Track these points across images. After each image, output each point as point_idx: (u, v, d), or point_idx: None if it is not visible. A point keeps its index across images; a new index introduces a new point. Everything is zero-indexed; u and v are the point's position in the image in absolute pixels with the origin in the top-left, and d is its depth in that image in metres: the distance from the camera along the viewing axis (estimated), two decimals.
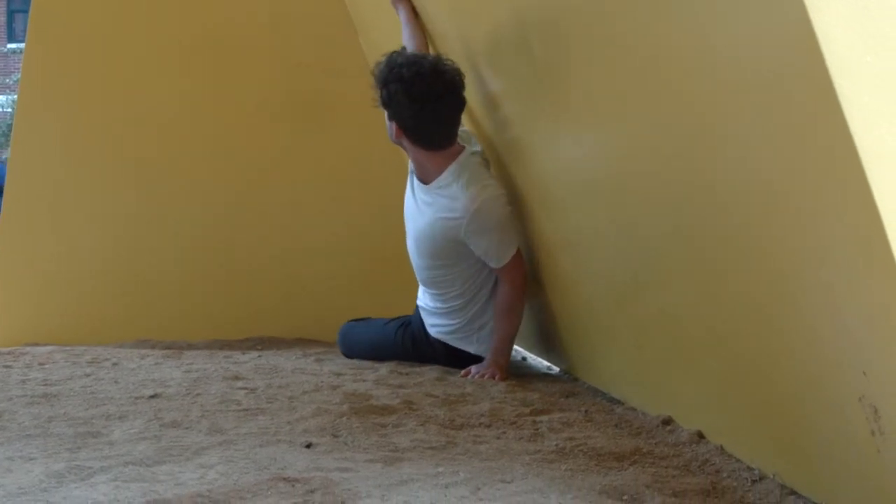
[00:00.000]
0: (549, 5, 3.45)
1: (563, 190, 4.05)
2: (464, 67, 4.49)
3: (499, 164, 4.69)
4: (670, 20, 2.62)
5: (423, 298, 4.98)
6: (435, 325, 4.89)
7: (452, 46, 4.70)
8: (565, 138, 3.79)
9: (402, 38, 4.94)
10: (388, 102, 4.64)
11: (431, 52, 4.90)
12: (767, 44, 2.17)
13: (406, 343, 5.03)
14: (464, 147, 4.68)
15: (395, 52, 4.62)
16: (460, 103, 4.56)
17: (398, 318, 5.14)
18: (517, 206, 4.60)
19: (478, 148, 4.79)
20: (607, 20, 3.02)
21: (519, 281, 4.69)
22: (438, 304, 4.86)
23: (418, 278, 4.97)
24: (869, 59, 1.87)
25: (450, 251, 4.69)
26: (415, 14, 4.96)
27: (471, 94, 4.53)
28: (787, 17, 2.01)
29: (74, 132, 6.16)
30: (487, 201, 4.59)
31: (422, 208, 4.74)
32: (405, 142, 4.70)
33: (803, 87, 2.05)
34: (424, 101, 4.51)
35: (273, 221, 6.32)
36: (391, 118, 4.71)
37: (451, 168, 4.62)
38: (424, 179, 4.73)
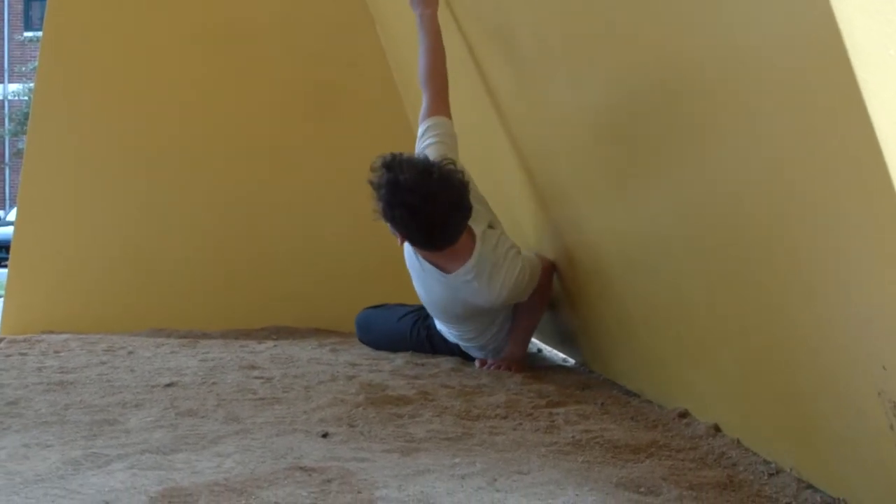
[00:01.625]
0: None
1: (578, 183, 4.04)
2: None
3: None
4: (689, 16, 2.61)
5: (440, 325, 4.97)
6: (452, 334, 4.88)
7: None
8: (571, 122, 3.79)
9: (419, 52, 4.74)
10: (380, 213, 4.43)
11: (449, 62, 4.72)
12: (789, 37, 2.16)
13: (421, 338, 5.03)
14: (474, 237, 4.49)
15: (385, 158, 4.40)
16: (446, 210, 4.32)
17: (414, 309, 5.12)
18: (534, 201, 4.60)
19: (485, 222, 4.59)
20: (621, 13, 3.01)
21: (546, 286, 4.68)
22: (458, 334, 4.84)
23: (434, 317, 4.94)
24: (893, 53, 1.86)
25: (476, 310, 4.66)
26: (435, 21, 4.70)
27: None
28: (810, 9, 2.00)
29: (91, 121, 6.17)
30: (514, 285, 4.52)
31: (439, 285, 4.62)
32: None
33: (825, 81, 2.04)
34: (408, 212, 4.30)
35: (289, 211, 6.34)
36: None
37: (470, 265, 4.46)
38: (440, 268, 4.56)
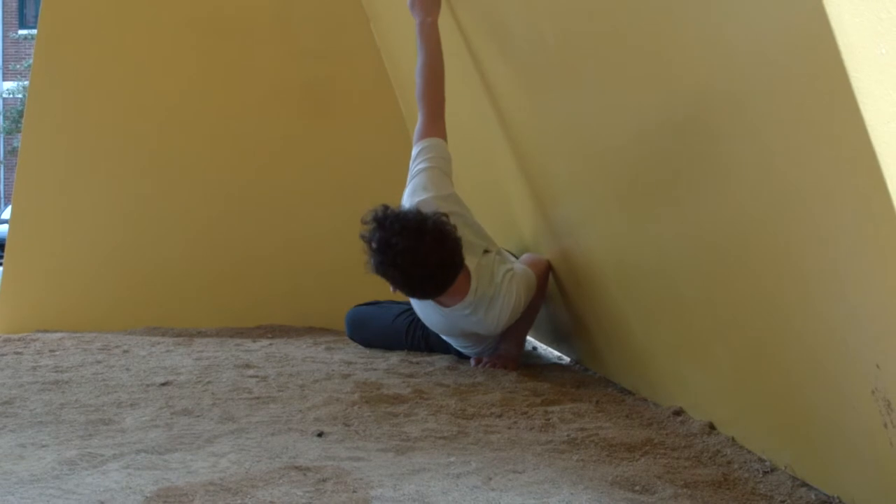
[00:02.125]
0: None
1: (570, 177, 4.05)
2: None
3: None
4: (681, 14, 2.61)
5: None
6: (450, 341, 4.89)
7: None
8: (574, 126, 3.79)
9: (417, 64, 4.69)
10: (371, 267, 4.40)
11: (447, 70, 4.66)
12: (780, 36, 2.17)
13: (417, 337, 5.02)
14: (469, 274, 4.46)
15: (377, 213, 4.33)
16: (440, 270, 4.32)
17: (408, 307, 5.10)
18: (532, 201, 4.60)
19: (479, 252, 4.56)
20: (619, 17, 3.01)
21: (542, 285, 4.68)
22: (456, 343, 4.84)
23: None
24: (883, 51, 1.87)
25: (475, 333, 4.67)
26: (436, 30, 4.64)
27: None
28: (801, 7, 2.00)
29: (85, 119, 6.17)
30: (512, 311, 4.55)
31: (437, 314, 4.62)
32: None
33: (816, 79, 2.04)
34: (400, 273, 4.30)
35: (283, 209, 6.33)
36: None
37: (467, 301, 4.46)
38: (437, 302, 4.55)
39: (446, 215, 4.35)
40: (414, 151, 4.67)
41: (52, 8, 6.05)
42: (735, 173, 2.67)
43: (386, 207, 4.32)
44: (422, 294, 4.40)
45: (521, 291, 4.53)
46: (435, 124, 4.65)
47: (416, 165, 4.63)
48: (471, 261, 4.42)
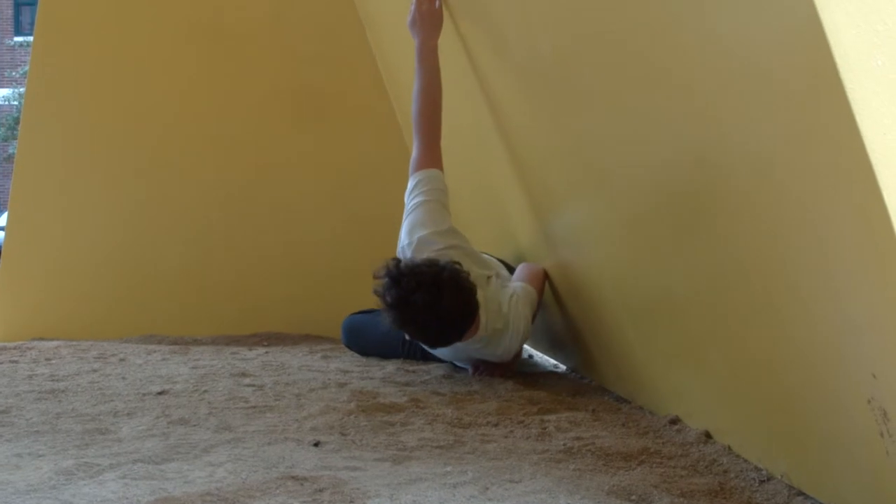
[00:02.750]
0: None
1: (568, 186, 4.05)
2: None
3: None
4: (677, 19, 2.62)
5: None
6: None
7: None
8: (567, 132, 3.79)
9: (414, 89, 4.67)
10: (389, 322, 4.34)
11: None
12: (776, 43, 2.17)
13: (415, 347, 4.99)
14: (478, 308, 4.39)
15: (391, 269, 4.26)
16: (458, 319, 4.28)
17: None
18: (530, 212, 4.60)
19: (483, 284, 4.52)
20: (612, 20, 3.02)
21: (540, 296, 4.69)
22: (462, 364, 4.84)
23: None
24: (880, 62, 1.87)
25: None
26: (435, 54, 4.62)
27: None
28: (796, 15, 2.00)
29: (81, 126, 6.16)
30: (522, 336, 4.57)
31: (447, 348, 4.58)
32: None
33: (813, 90, 2.05)
34: (420, 329, 4.29)
35: (279, 216, 6.33)
36: None
37: (479, 336, 4.42)
38: None
39: (458, 263, 4.31)
40: (410, 184, 4.65)
41: (48, 15, 6.04)
42: (730, 183, 2.67)
43: (398, 262, 4.26)
44: (440, 344, 4.35)
45: (528, 313, 4.55)
46: (431, 154, 4.63)
47: (412, 199, 4.61)
48: (479, 295, 4.38)
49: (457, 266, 4.28)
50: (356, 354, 5.24)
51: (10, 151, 30.51)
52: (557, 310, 4.72)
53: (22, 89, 24.95)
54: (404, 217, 4.62)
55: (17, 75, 32.22)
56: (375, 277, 4.28)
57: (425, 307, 4.15)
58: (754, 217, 2.60)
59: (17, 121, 25.96)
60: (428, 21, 4.59)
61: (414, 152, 4.68)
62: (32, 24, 6.75)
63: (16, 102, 31.49)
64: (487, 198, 5.36)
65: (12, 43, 34.46)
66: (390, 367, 4.77)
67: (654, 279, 3.54)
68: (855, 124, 1.90)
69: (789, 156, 2.30)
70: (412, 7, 4.63)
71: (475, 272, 4.46)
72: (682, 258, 3.22)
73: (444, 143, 4.67)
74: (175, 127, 6.22)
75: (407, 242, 4.52)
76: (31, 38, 6.65)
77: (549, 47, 3.61)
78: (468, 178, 5.34)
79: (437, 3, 4.57)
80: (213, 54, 6.21)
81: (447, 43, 4.60)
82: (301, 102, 6.27)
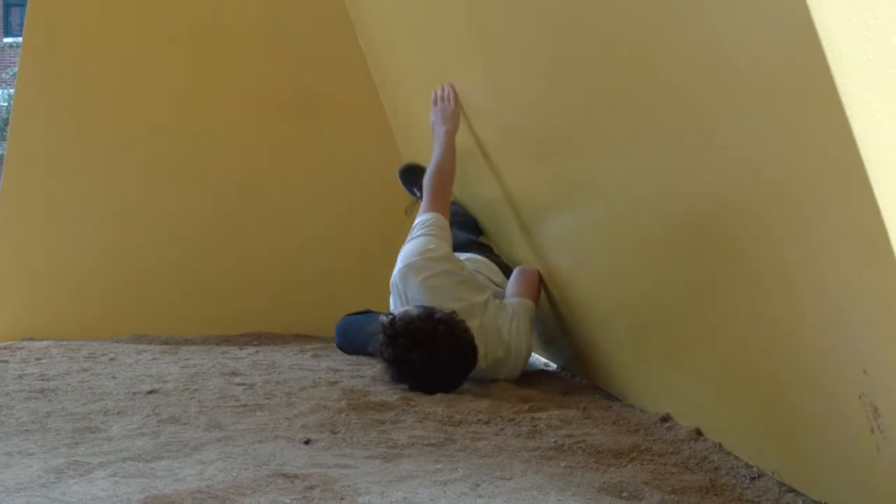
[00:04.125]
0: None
1: (561, 188, 4.05)
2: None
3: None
4: (671, 18, 2.62)
5: None
6: None
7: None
8: (560, 138, 3.79)
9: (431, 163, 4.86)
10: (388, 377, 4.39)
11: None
12: (768, 41, 2.17)
13: None
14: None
15: (385, 326, 4.26)
16: (457, 370, 4.24)
17: None
18: (516, 212, 4.61)
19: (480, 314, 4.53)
20: (608, 17, 3.01)
21: (538, 301, 4.71)
22: None
23: None
24: (871, 57, 1.87)
25: None
26: (453, 138, 4.84)
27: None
28: (788, 13, 2.00)
29: (71, 127, 6.15)
30: (526, 356, 4.62)
31: None
32: None
33: (804, 85, 2.05)
34: (420, 384, 4.21)
35: (270, 216, 6.33)
36: None
37: (479, 368, 4.38)
38: None
39: (454, 312, 4.29)
40: (415, 222, 4.75)
41: (37, 16, 6.03)
42: (723, 181, 2.67)
43: (393, 319, 4.24)
44: (441, 390, 4.22)
45: (528, 329, 4.57)
46: (437, 203, 4.79)
47: (412, 234, 4.69)
48: (473, 324, 4.36)
49: (452, 316, 4.25)
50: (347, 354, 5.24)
51: (0, 153, 30.45)
52: (549, 308, 4.72)
53: (11, 90, 24.91)
54: (404, 245, 4.68)
55: (7, 77, 32.15)
56: (371, 334, 4.32)
57: (422, 363, 4.14)
58: (746, 215, 2.60)
59: (6, 122, 25.88)
60: (450, 121, 4.82)
61: (422, 205, 4.83)
62: (22, 25, 6.73)
63: (5, 104, 31.42)
64: (488, 213, 5.34)
65: (2, 44, 34.40)
66: (381, 365, 4.76)
67: (646, 278, 3.54)
68: (846, 121, 1.90)
69: (781, 154, 2.30)
70: (432, 110, 4.87)
71: (471, 301, 4.48)
72: (673, 256, 3.22)
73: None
74: (165, 127, 6.21)
75: (399, 267, 4.56)
76: (20, 40, 6.63)
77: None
78: (468, 192, 5.36)
79: (454, 104, 4.79)
80: (203, 55, 6.21)
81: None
82: (292, 103, 6.27)
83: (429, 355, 4.13)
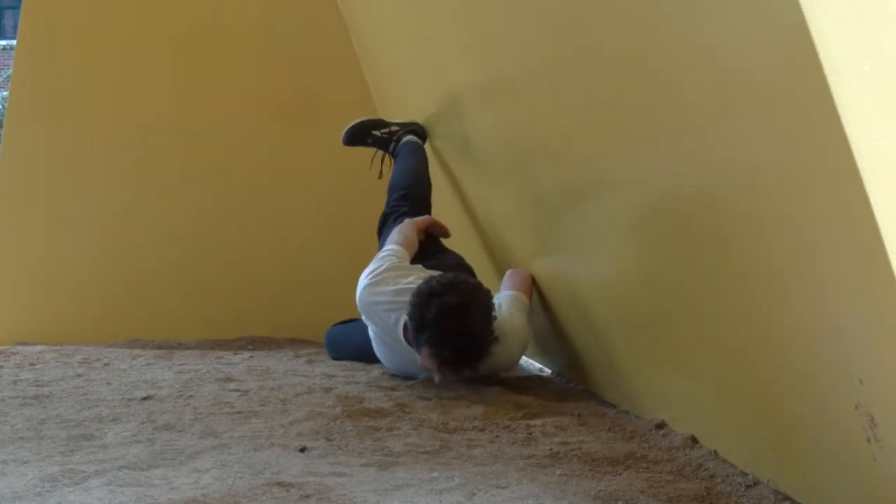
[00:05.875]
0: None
1: (556, 192, 4.05)
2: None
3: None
4: (665, 22, 2.62)
5: None
6: None
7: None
8: (556, 138, 3.79)
9: None
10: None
11: None
12: (763, 47, 2.17)
13: None
14: None
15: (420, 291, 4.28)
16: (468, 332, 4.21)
17: None
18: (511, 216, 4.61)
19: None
20: (601, 21, 3.02)
21: (530, 301, 4.70)
22: None
23: None
24: (867, 68, 1.87)
25: None
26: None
27: None
28: (783, 20, 2.01)
29: (65, 130, 6.14)
30: (522, 351, 4.62)
31: None
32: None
33: (799, 91, 2.05)
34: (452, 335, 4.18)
35: (264, 220, 6.31)
36: None
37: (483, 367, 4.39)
38: None
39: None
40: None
41: (31, 18, 6.03)
42: (718, 187, 2.68)
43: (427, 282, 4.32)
44: (468, 362, 4.23)
45: (523, 318, 4.54)
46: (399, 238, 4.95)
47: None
48: None
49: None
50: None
51: None
52: (543, 313, 4.71)
53: (5, 93, 24.90)
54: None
55: (1, 79, 32.14)
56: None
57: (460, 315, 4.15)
58: (741, 222, 2.60)
59: (0, 125, 25.87)
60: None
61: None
62: (16, 27, 6.72)
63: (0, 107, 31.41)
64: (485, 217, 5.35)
65: None
66: (375, 371, 4.76)
67: (641, 284, 3.54)
68: (842, 129, 1.90)
69: (776, 161, 2.30)
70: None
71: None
72: (669, 263, 3.22)
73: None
74: (160, 130, 6.20)
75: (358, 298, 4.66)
76: (14, 42, 6.62)
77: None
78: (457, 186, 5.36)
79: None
80: (198, 58, 6.20)
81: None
82: (287, 105, 6.26)
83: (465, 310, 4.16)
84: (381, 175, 5.55)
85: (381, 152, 5.48)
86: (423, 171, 5.39)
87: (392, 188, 5.36)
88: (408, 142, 5.41)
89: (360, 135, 5.58)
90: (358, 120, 5.59)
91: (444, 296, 4.16)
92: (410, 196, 5.27)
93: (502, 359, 4.40)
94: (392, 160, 5.47)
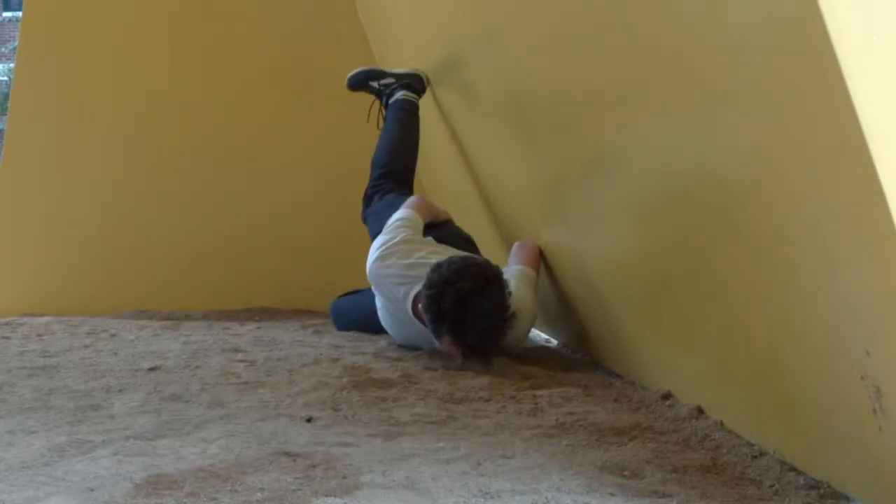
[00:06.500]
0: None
1: (564, 168, 4.05)
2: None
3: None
4: (676, 13, 2.61)
5: None
6: None
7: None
8: (567, 124, 3.79)
9: None
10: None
11: None
12: (772, 25, 2.17)
13: None
14: None
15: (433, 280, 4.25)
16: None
17: None
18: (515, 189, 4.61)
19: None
20: (610, 3, 3.01)
21: (538, 274, 4.69)
22: None
23: None
24: (876, 39, 1.87)
25: None
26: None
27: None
28: (797, 8, 2.00)
29: (70, 101, 6.15)
30: (529, 328, 4.63)
31: None
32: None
33: (809, 68, 2.05)
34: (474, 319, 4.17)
35: (269, 191, 6.32)
36: None
37: None
38: None
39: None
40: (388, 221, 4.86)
41: None
42: (725, 157, 2.67)
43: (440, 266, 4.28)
44: (490, 341, 4.21)
45: (531, 293, 4.54)
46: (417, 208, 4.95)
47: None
48: None
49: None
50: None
51: (1, 127, 30.41)
52: (550, 285, 4.72)
53: (11, 65, 24.86)
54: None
55: (7, 51, 32.07)
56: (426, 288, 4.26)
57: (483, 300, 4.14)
58: (748, 195, 2.60)
59: (6, 96, 25.83)
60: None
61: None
62: None
63: (5, 78, 31.37)
64: (492, 191, 5.34)
65: (1, 18, 34.32)
66: (382, 342, 4.77)
67: (647, 254, 3.54)
68: (850, 101, 1.90)
69: (786, 142, 2.29)
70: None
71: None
72: (675, 234, 3.22)
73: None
74: (165, 102, 6.21)
75: (368, 266, 4.65)
76: (20, 14, 6.62)
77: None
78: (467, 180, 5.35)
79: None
80: (203, 29, 6.20)
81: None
82: (292, 77, 6.26)
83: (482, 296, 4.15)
84: (379, 126, 5.56)
85: (378, 102, 5.48)
86: (406, 141, 5.42)
87: (374, 163, 5.40)
88: (398, 100, 5.39)
89: (360, 84, 5.60)
90: (356, 70, 5.59)
91: (458, 283, 4.14)
92: (390, 174, 5.32)
93: (512, 336, 4.37)
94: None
